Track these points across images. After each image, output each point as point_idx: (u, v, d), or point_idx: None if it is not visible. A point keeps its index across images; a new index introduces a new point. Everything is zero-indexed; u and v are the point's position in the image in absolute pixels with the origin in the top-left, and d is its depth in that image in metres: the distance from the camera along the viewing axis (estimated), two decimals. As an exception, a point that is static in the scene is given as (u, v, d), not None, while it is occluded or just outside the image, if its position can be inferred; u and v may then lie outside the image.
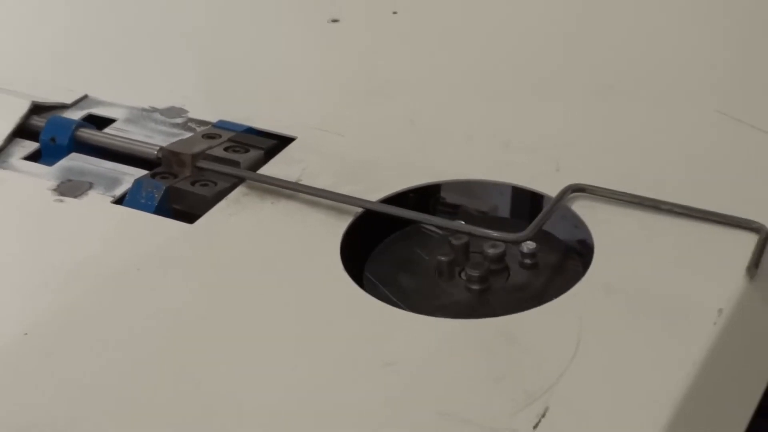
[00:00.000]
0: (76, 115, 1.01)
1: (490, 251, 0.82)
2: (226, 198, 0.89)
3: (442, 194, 0.92)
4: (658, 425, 0.66)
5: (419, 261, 0.85)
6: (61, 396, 0.73)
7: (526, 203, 0.91)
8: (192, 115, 1.00)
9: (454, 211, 0.91)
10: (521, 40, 1.13)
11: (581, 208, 0.86)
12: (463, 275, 0.82)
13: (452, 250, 0.83)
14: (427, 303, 0.80)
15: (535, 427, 0.66)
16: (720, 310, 0.75)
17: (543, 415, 0.67)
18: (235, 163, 0.93)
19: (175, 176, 0.92)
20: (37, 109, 1.01)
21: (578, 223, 0.85)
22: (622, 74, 1.05)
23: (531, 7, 1.19)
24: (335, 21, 1.17)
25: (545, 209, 0.84)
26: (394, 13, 1.18)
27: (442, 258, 0.83)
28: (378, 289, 0.82)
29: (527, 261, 0.83)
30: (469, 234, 0.82)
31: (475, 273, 0.81)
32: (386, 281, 0.83)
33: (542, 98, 1.02)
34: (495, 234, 0.81)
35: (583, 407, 0.69)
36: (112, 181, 0.93)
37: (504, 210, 0.93)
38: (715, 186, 0.89)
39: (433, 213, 0.89)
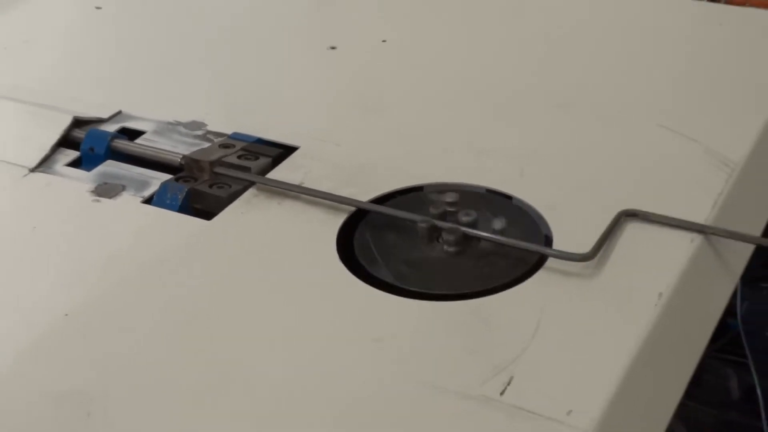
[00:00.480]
0: (111, 128, 1.01)
1: (464, 219, 0.82)
2: (239, 199, 0.90)
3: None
4: (606, 391, 0.67)
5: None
6: (95, 368, 0.74)
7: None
8: (210, 128, 1.01)
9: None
10: (491, 66, 1.13)
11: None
12: (440, 240, 0.82)
13: (432, 217, 0.83)
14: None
15: (501, 393, 0.67)
16: (660, 294, 0.75)
17: (508, 383, 0.68)
18: (246, 169, 0.93)
19: (196, 180, 0.93)
20: (78, 123, 1.01)
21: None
22: (575, 95, 1.05)
23: (498, 40, 1.19)
24: (333, 48, 1.17)
25: (604, 231, 0.81)
26: (383, 41, 1.18)
27: (423, 224, 0.82)
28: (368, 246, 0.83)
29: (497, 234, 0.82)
30: (528, 251, 0.80)
31: (451, 237, 0.81)
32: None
33: (508, 115, 1.02)
34: (558, 252, 0.79)
35: (542, 376, 0.69)
36: (142, 184, 0.94)
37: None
38: (654, 188, 0.89)
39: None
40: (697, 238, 0.81)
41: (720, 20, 1.22)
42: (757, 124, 0.95)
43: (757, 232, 0.92)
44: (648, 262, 0.79)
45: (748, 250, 0.87)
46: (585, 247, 0.79)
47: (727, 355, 1.98)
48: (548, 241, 0.82)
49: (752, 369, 1.92)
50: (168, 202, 0.90)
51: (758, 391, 1.89)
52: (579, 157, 0.94)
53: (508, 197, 0.88)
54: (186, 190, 0.91)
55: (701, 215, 0.83)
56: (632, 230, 0.82)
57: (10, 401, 0.71)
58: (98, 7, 1.30)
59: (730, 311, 1.98)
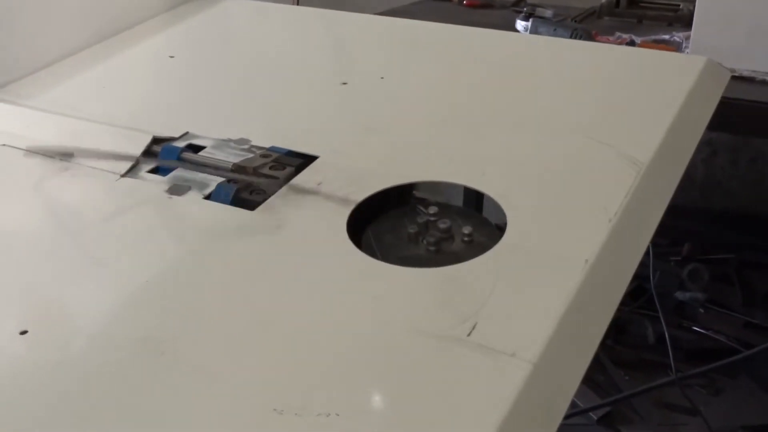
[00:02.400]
0: (180, 144, 1.00)
1: (441, 225, 0.82)
2: (274, 195, 0.89)
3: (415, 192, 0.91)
4: (546, 332, 0.67)
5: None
6: (168, 319, 0.73)
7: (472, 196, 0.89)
8: (253, 143, 0.99)
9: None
10: (462, 96, 1.11)
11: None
12: (425, 241, 0.82)
13: (418, 226, 0.83)
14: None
15: (468, 335, 0.67)
16: (586, 260, 0.74)
17: (473, 328, 0.68)
18: (279, 173, 0.92)
19: (243, 181, 0.92)
20: (156, 140, 1.00)
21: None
22: (525, 117, 1.03)
23: (468, 77, 1.16)
24: (344, 83, 1.16)
25: None
26: (382, 78, 1.17)
27: (411, 230, 0.82)
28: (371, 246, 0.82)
29: (465, 238, 0.82)
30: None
31: (432, 239, 0.81)
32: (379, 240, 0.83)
33: (476, 132, 1.01)
34: None
35: (498, 322, 0.69)
36: (204, 185, 0.93)
37: (457, 201, 0.91)
38: (582, 181, 0.88)
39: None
40: (614, 218, 0.80)
41: (632, 59, 1.21)
42: (659, 134, 0.93)
43: (659, 215, 0.91)
44: (577, 236, 0.79)
45: (653, 226, 0.86)
46: (531, 226, 0.79)
47: (644, 311, 1.98)
48: (501, 229, 0.81)
49: (662, 321, 1.91)
50: (222, 197, 0.90)
51: (667, 337, 1.88)
52: (528, 160, 0.94)
53: (481, 194, 0.86)
54: (235, 188, 0.90)
55: (617, 202, 0.82)
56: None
57: (102, 347, 0.72)
58: (171, 56, 1.30)
59: (646, 278, 1.98)
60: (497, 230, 0.83)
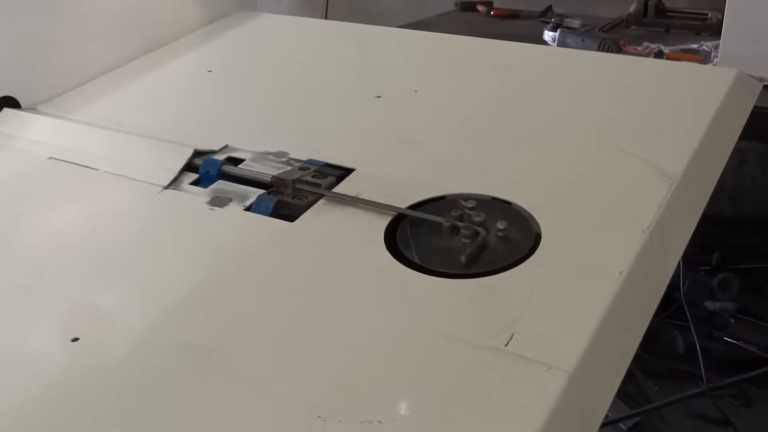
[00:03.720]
0: (221, 157, 1.02)
1: (476, 219, 0.83)
2: (312, 207, 0.91)
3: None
4: (582, 343, 0.68)
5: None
6: (212, 325, 0.75)
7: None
8: (291, 155, 1.01)
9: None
10: (492, 109, 1.12)
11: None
12: (460, 234, 0.82)
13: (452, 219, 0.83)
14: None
15: (505, 345, 0.68)
16: (620, 272, 0.75)
17: (511, 338, 0.68)
18: (318, 185, 0.94)
19: (282, 193, 0.93)
20: (197, 153, 1.02)
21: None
22: (553, 129, 1.04)
23: (497, 90, 1.17)
24: (379, 97, 1.18)
25: None
26: (415, 91, 1.18)
27: (446, 223, 0.83)
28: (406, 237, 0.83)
29: (500, 233, 0.82)
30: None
31: (467, 232, 0.82)
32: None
33: (506, 144, 1.02)
34: None
35: (536, 333, 0.70)
36: (244, 197, 0.94)
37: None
38: (614, 194, 0.89)
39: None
40: (648, 230, 0.80)
41: (662, 72, 1.21)
42: (691, 146, 0.94)
43: (692, 227, 0.91)
44: (611, 248, 0.79)
45: (686, 237, 0.86)
46: (565, 237, 0.80)
47: (674, 320, 1.97)
48: (538, 237, 0.81)
49: (693, 331, 1.90)
50: (262, 209, 0.91)
51: (697, 347, 1.87)
52: (560, 173, 0.94)
53: (509, 203, 0.88)
54: (275, 200, 0.91)
55: (650, 214, 0.83)
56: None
57: (149, 354, 0.73)
58: (210, 71, 1.32)
59: (676, 287, 1.97)
60: (531, 227, 0.83)
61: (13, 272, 0.86)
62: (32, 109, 1.18)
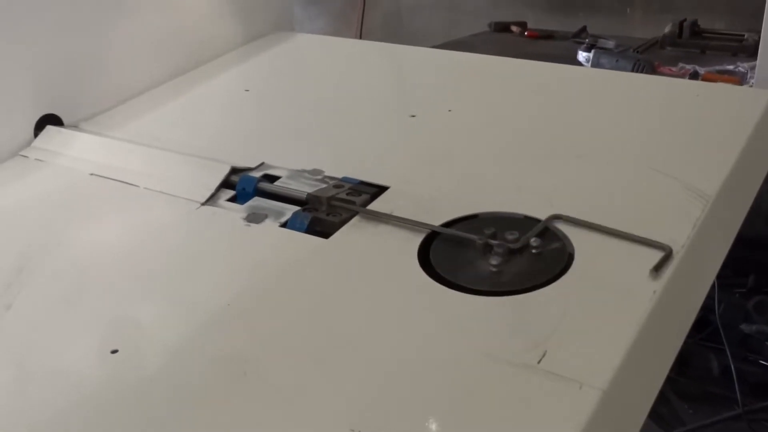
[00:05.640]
0: (257, 174, 1.03)
1: (509, 237, 0.83)
2: (347, 224, 0.91)
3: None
4: (615, 361, 0.68)
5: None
6: (248, 339, 0.76)
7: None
8: (326, 173, 1.02)
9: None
10: (527, 128, 1.13)
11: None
12: (493, 251, 0.83)
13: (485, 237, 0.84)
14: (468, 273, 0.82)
15: (539, 362, 0.68)
16: (654, 291, 0.75)
17: (544, 355, 0.69)
18: (352, 203, 0.94)
19: (317, 210, 0.94)
20: (234, 170, 1.03)
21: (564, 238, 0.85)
22: (589, 148, 1.04)
23: (532, 109, 1.18)
24: (413, 116, 1.18)
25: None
26: (449, 110, 1.19)
27: (479, 241, 0.83)
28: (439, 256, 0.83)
29: (533, 250, 0.83)
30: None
31: (500, 250, 0.82)
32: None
33: (540, 164, 1.02)
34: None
35: (568, 350, 0.70)
36: (279, 214, 0.95)
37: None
38: (648, 213, 0.88)
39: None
40: (682, 251, 0.80)
41: (697, 92, 1.21)
42: (726, 167, 0.94)
43: (726, 248, 0.91)
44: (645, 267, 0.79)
45: (721, 258, 0.86)
46: (599, 256, 0.80)
47: (709, 343, 1.94)
48: (571, 256, 0.81)
49: (728, 353, 1.88)
50: (298, 225, 0.92)
51: (732, 370, 1.84)
52: (594, 192, 0.94)
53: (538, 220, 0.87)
54: (310, 217, 0.92)
55: (684, 234, 0.82)
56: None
57: (187, 366, 0.75)
58: (247, 90, 1.34)
59: (711, 310, 1.95)
60: (565, 245, 0.83)
61: (55, 285, 0.88)
62: (74, 126, 1.21)
